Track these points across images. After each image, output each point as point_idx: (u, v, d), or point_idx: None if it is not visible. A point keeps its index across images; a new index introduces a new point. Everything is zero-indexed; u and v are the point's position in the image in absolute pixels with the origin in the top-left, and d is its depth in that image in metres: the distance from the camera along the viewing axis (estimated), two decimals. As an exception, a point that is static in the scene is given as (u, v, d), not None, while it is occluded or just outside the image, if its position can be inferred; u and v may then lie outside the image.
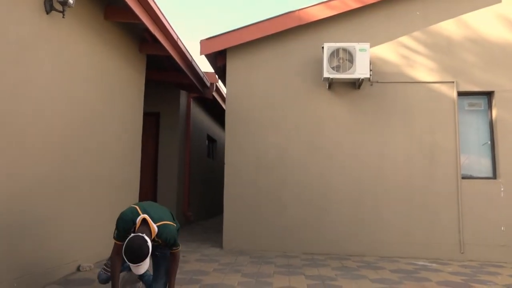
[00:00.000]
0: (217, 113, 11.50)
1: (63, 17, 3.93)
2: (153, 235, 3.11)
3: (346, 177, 6.24)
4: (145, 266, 2.96)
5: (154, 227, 3.13)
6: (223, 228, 6.37)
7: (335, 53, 6.05)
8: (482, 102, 6.41)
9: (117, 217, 3.26)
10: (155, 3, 5.09)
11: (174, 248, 3.30)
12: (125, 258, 2.93)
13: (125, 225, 3.18)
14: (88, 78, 4.72)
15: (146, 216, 3.11)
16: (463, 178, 6.10)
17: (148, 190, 8.28)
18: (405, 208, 6.11)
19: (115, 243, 3.22)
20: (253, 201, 6.34)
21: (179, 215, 8.66)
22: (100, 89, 5.03)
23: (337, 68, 6.03)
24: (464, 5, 6.39)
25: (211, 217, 11.58)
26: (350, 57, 6.03)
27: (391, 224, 6.08)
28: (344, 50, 6.05)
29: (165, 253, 3.40)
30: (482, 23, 6.34)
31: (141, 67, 6.38)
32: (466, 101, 6.40)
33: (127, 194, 5.88)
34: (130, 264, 2.94)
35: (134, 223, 3.13)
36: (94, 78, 4.86)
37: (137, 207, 3.21)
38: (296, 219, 6.23)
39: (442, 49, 6.34)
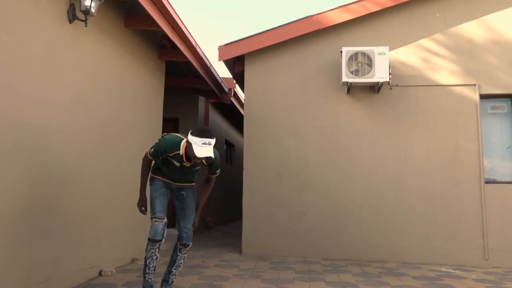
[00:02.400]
0: (235, 118, 11.54)
1: (85, 26, 4.01)
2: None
3: (366, 181, 6.18)
4: (212, 149, 3.19)
5: None
6: (242, 233, 6.38)
7: (353, 57, 6.01)
8: (505, 105, 6.27)
9: (160, 140, 3.48)
10: (174, 10, 5.15)
11: (215, 172, 3.65)
12: (194, 139, 3.13)
13: (169, 145, 3.41)
14: (110, 87, 4.79)
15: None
16: (486, 182, 5.97)
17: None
18: (427, 213, 6.01)
19: (147, 156, 3.53)
20: (272, 206, 6.32)
21: (199, 220, 8.68)
22: (121, 96, 5.10)
23: (355, 72, 5.99)
24: (486, 7, 6.28)
25: (230, 222, 11.59)
26: (369, 61, 5.98)
27: (413, 229, 5.98)
28: (363, 54, 6.01)
29: (191, 193, 3.66)
30: (504, 24, 6.22)
31: (161, 73, 6.46)
32: (489, 104, 6.27)
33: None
34: (201, 143, 3.11)
35: (178, 148, 3.38)
36: (115, 86, 4.94)
37: (179, 135, 3.52)
38: (315, 224, 6.19)
39: (463, 52, 6.23)
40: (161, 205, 3.43)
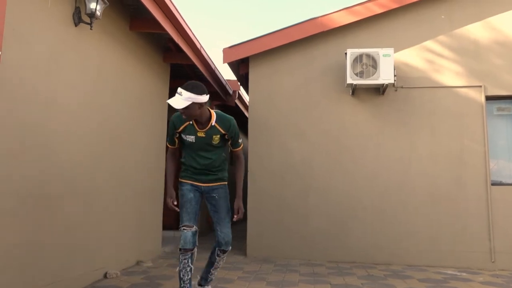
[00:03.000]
0: (240, 120, 11.54)
1: (90, 29, 4.03)
2: (213, 119, 3.25)
3: (371, 183, 6.16)
4: (183, 99, 3.04)
5: (213, 111, 3.28)
6: (247, 236, 6.37)
7: (358, 59, 6.00)
8: (511, 106, 6.23)
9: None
10: (179, 13, 5.16)
11: (237, 143, 3.41)
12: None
13: (177, 118, 3.29)
14: (114, 89, 4.81)
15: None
16: (492, 184, 5.93)
17: (172, 197, 8.34)
18: (433, 215, 5.98)
19: (167, 147, 3.48)
20: (277, 209, 6.31)
21: (202, 222, 8.70)
22: (125, 98, 5.12)
23: (360, 74, 5.98)
24: (491, 8, 6.25)
25: (234, 223, 11.59)
26: (373, 63, 5.97)
27: (418, 231, 5.95)
28: (368, 55, 6.00)
29: (223, 193, 3.43)
30: (509, 25, 6.19)
31: (165, 76, 6.48)
32: (495, 105, 6.24)
33: (151, 202, 5.95)
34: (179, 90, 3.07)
35: (187, 120, 3.21)
36: (120, 89, 4.96)
37: None
38: (320, 226, 6.18)
39: (469, 53, 6.21)
40: (188, 213, 3.26)
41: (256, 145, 6.52)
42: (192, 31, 5.77)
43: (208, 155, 3.33)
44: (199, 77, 7.27)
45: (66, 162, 3.86)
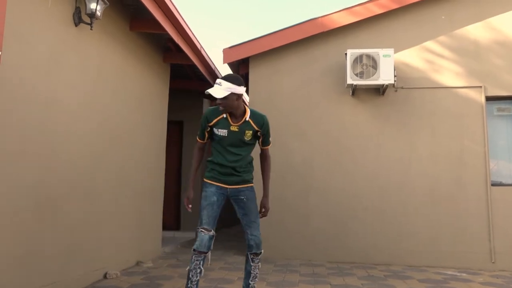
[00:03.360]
0: (240, 120, 11.54)
1: (91, 29, 4.03)
2: (247, 114, 3.25)
3: (371, 183, 6.16)
4: (222, 89, 3.09)
5: (247, 107, 3.28)
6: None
7: (358, 59, 6.00)
8: (511, 107, 6.23)
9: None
10: (179, 13, 5.16)
11: (268, 141, 3.41)
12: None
13: (211, 111, 3.27)
14: (115, 89, 4.81)
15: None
16: (492, 185, 5.93)
17: (172, 197, 8.35)
18: (433, 215, 5.97)
19: (197, 141, 3.42)
20: (277, 209, 6.31)
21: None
22: (126, 100, 5.12)
23: (360, 75, 5.98)
24: (491, 9, 6.25)
25: (234, 224, 11.58)
26: (373, 63, 5.97)
27: (419, 231, 5.95)
28: (368, 56, 5.99)
29: (251, 195, 3.36)
30: (509, 26, 6.19)
31: (165, 76, 6.47)
32: (495, 106, 6.24)
33: (152, 201, 5.95)
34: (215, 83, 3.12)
35: (220, 111, 3.21)
36: (120, 89, 4.95)
37: None
38: (321, 226, 6.18)
39: (469, 53, 6.21)
40: (208, 217, 3.19)
41: (256, 146, 6.50)
42: (192, 31, 5.77)
43: (237, 151, 3.28)
44: (199, 77, 7.28)
45: (66, 162, 3.85)
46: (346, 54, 6.08)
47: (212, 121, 3.25)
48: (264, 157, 3.51)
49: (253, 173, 3.46)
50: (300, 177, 6.33)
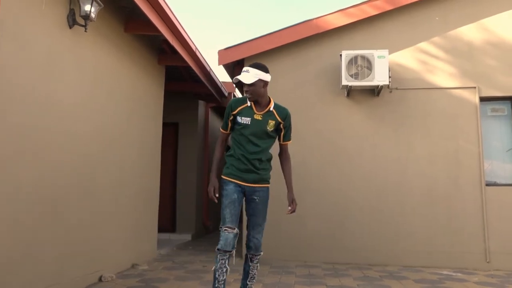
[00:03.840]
0: (235, 122, 11.54)
1: (85, 31, 4.01)
2: (271, 104, 3.30)
3: (367, 184, 6.17)
4: (251, 76, 3.16)
5: (271, 98, 3.33)
6: (243, 237, 6.35)
7: (353, 61, 6.02)
8: (505, 107, 6.27)
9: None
10: (174, 15, 5.16)
11: (289, 136, 3.42)
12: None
13: (236, 100, 3.33)
14: (110, 91, 4.80)
15: None
16: (487, 185, 5.96)
17: (167, 199, 8.33)
18: (428, 216, 5.99)
19: (221, 131, 3.44)
20: (273, 210, 6.29)
21: (198, 224, 8.68)
22: (121, 101, 5.10)
23: (355, 76, 6.00)
24: (485, 10, 6.29)
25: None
26: (368, 64, 5.99)
27: (414, 232, 5.97)
28: (363, 57, 6.01)
29: (265, 196, 3.37)
30: (503, 27, 6.23)
31: (160, 78, 6.47)
32: (489, 106, 6.27)
33: (147, 203, 5.93)
34: (243, 70, 3.21)
35: (245, 100, 3.28)
36: (115, 91, 4.94)
37: None
38: (316, 227, 6.18)
39: (462, 54, 6.24)
40: (231, 215, 3.18)
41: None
42: (187, 33, 5.77)
43: (258, 142, 3.27)
44: (194, 79, 7.27)
45: (63, 164, 3.84)
46: (341, 55, 6.10)
47: (236, 109, 3.28)
48: (284, 152, 3.53)
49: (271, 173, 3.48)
50: (296, 178, 6.31)
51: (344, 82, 6.00)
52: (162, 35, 5.16)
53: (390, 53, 6.27)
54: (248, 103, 3.27)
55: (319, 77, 6.50)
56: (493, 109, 6.29)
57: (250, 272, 3.43)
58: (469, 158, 6.02)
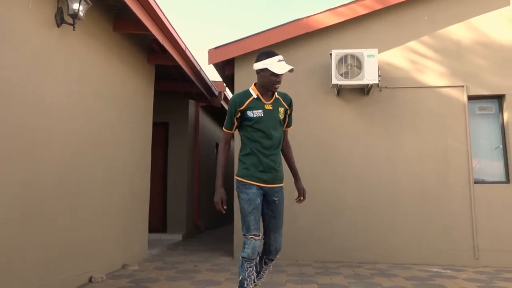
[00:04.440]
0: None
1: (73, 29, 3.97)
2: (275, 92, 3.22)
3: (357, 183, 6.20)
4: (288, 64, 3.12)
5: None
6: (233, 237, 6.35)
7: (343, 60, 6.04)
8: (493, 106, 6.34)
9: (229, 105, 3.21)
10: (163, 14, 5.13)
11: (291, 121, 3.39)
12: (267, 61, 3.07)
13: (239, 96, 3.18)
14: (98, 90, 4.76)
15: None
16: (475, 182, 6.02)
17: (158, 199, 8.30)
18: (418, 214, 6.04)
19: (224, 132, 3.25)
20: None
21: (189, 224, 8.65)
22: (110, 100, 5.07)
23: (345, 75, 6.02)
24: (472, 9, 6.36)
25: (221, 225, 11.56)
26: (358, 63, 6.02)
27: (404, 230, 6.01)
28: (352, 56, 6.04)
29: (282, 197, 3.28)
30: (491, 26, 6.30)
31: (150, 77, 6.43)
32: (477, 105, 6.34)
33: (138, 204, 5.90)
34: (276, 61, 3.06)
35: (249, 93, 3.17)
36: (103, 90, 4.90)
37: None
38: (307, 226, 6.19)
39: (451, 54, 6.30)
40: (256, 222, 3.05)
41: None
42: (177, 32, 5.74)
43: (274, 133, 3.16)
44: (184, 78, 7.24)
45: (50, 164, 3.79)
46: (330, 54, 6.12)
47: (243, 104, 3.12)
48: (286, 140, 3.45)
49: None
50: (288, 178, 6.32)
51: (334, 81, 6.02)
52: (151, 34, 5.13)
53: (379, 52, 6.30)
54: (254, 95, 3.15)
55: (309, 76, 6.51)
56: (481, 107, 6.36)
57: (261, 273, 3.38)
58: (457, 156, 6.07)
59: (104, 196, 4.88)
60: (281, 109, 3.23)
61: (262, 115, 3.13)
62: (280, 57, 3.10)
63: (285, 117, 3.30)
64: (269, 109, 3.16)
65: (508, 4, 6.31)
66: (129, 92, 5.61)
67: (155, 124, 6.98)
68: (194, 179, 8.99)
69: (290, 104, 3.31)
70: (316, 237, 6.16)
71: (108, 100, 5.02)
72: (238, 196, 3.16)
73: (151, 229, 7.08)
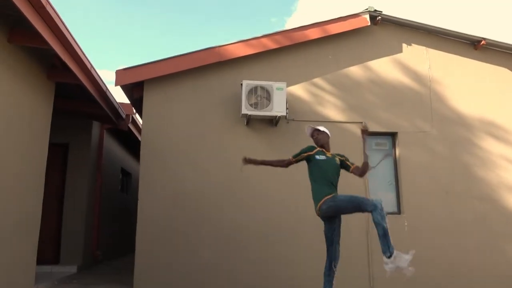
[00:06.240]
0: (133, 145, 11.06)
1: (-44, 36, 3.55)
2: (329, 151, 4.51)
3: (263, 213, 6.24)
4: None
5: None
6: (134, 269, 5.98)
7: (253, 91, 6.17)
8: (387, 142, 6.88)
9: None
10: (66, 28, 4.82)
11: (349, 161, 4.63)
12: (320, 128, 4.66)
13: (308, 147, 4.51)
14: (-17, 105, 4.26)
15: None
16: (371, 213, 6.39)
17: (51, 227, 7.56)
18: (320, 244, 6.21)
19: (287, 159, 4.63)
20: (168, 240, 6.06)
21: (86, 255, 8.00)
22: (-2, 117, 4.56)
23: (255, 105, 6.13)
24: (370, 53, 6.95)
25: (124, 255, 10.89)
26: (267, 95, 6.18)
27: (308, 259, 6.13)
28: (262, 88, 6.19)
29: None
30: (385, 69, 6.91)
31: (49, 95, 5.94)
32: (374, 140, 6.82)
33: (24, 233, 5.31)
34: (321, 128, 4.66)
35: (314, 147, 4.52)
36: (-9, 105, 4.41)
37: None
38: (213, 259, 6.04)
39: (351, 92, 6.77)
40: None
41: (148, 172, 6.24)
42: (82, 49, 5.43)
43: (333, 175, 4.57)
44: (89, 98, 6.82)
45: None
46: (241, 84, 6.21)
47: (311, 152, 4.56)
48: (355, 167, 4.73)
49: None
50: (192, 206, 6.16)
51: (244, 111, 6.10)
52: (52, 48, 4.77)
53: (288, 85, 6.52)
54: (318, 148, 4.57)
55: (220, 104, 6.52)
56: (377, 143, 6.87)
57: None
58: (356, 189, 6.41)
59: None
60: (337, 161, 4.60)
61: (324, 158, 4.54)
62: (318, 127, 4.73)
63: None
64: (329, 157, 4.58)
65: (401, 51, 7.00)
66: (23, 110, 5.11)
67: (53, 145, 6.44)
68: (95, 205, 8.41)
69: (341, 157, 4.67)
70: (221, 268, 6.03)
71: (-4, 117, 4.51)
72: None
73: (42, 261, 6.39)
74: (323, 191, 4.25)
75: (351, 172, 4.53)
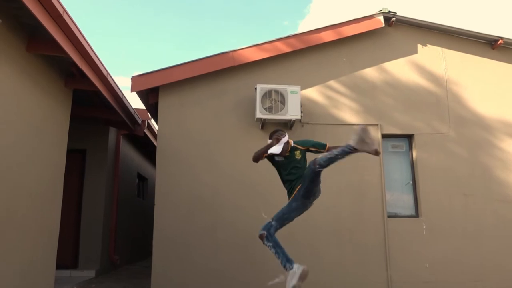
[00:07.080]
0: (149, 150, 11.17)
1: (-23, 46, 3.64)
2: (290, 144, 4.66)
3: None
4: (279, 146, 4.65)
5: (291, 141, 4.63)
6: (151, 273, 6.02)
7: (267, 94, 6.17)
8: (404, 144, 6.80)
9: None
10: (83, 36, 4.91)
11: (320, 147, 4.93)
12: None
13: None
14: (5, 113, 4.35)
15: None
16: (389, 216, 6.33)
17: (70, 232, 7.68)
18: (335, 246, 6.18)
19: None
20: (185, 244, 6.09)
21: (104, 260, 8.10)
22: (18, 125, 4.66)
23: (269, 109, 6.13)
24: (385, 54, 6.88)
25: (141, 259, 10.98)
26: (282, 99, 6.17)
27: (323, 262, 6.09)
28: (276, 91, 6.19)
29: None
30: (401, 71, 6.84)
31: (66, 102, 6.05)
32: (390, 143, 6.76)
33: (44, 238, 5.40)
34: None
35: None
36: (11, 114, 4.50)
37: None
38: (230, 261, 6.05)
39: (367, 94, 6.71)
40: None
41: (164, 177, 6.28)
42: (98, 56, 5.51)
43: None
44: (105, 104, 6.93)
45: None
46: (255, 88, 6.22)
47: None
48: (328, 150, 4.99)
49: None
50: (209, 211, 6.18)
51: (259, 115, 6.10)
52: (69, 57, 4.86)
53: (302, 89, 6.52)
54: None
55: (235, 108, 6.54)
56: (393, 145, 6.80)
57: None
58: (373, 191, 6.37)
59: (4, 229, 4.39)
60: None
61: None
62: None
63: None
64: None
65: (416, 52, 6.92)
66: (42, 117, 5.22)
67: (71, 151, 6.54)
68: (112, 210, 8.50)
69: (306, 145, 4.83)
70: (238, 271, 6.01)
71: (17, 125, 4.61)
72: None
73: (61, 265, 6.50)
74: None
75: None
